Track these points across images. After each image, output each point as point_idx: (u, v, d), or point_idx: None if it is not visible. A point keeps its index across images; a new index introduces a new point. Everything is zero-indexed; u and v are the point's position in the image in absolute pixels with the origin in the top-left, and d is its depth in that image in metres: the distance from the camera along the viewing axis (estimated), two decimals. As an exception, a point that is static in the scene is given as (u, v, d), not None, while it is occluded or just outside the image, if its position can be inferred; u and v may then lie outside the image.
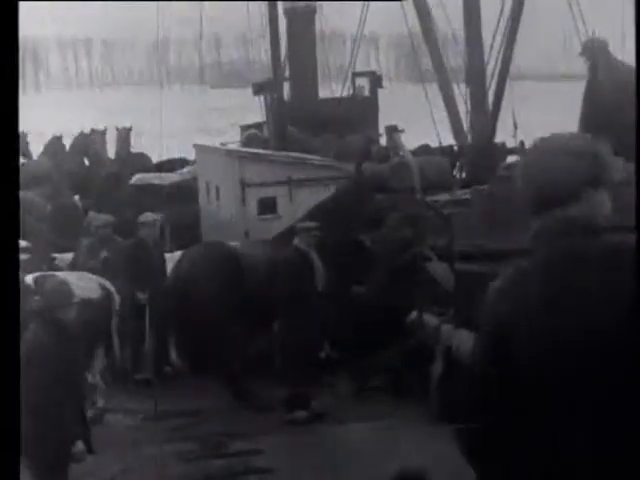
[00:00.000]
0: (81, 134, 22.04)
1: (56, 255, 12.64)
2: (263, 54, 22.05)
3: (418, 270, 10.83)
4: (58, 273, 10.29)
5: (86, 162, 21.47)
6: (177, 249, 12.68)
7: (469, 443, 2.88)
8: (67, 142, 22.00)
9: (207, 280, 10.81)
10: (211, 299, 10.66)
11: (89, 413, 7.82)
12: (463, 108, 15.86)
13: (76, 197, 17.64)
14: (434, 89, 16.95)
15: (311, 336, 10.06)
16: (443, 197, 13.04)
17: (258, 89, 19.23)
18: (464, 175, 16.25)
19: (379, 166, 14.76)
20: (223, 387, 10.61)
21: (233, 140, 19.65)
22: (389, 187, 13.60)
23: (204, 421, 9.98)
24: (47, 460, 6.29)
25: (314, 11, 19.04)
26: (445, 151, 17.47)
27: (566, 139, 2.90)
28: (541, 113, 22.41)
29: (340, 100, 19.51)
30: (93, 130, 22.02)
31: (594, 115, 11.02)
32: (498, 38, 15.37)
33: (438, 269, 10.83)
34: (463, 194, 12.70)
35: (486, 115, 15.69)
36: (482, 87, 15.99)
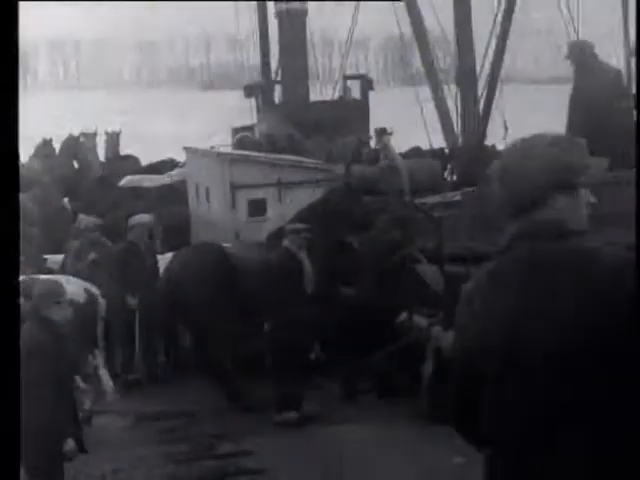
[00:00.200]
0: (70, 137, 21.86)
1: (47, 256, 12.62)
2: (253, 56, 22.06)
3: (407, 272, 10.86)
4: (44, 277, 10.21)
5: (75, 165, 21.35)
6: (167, 251, 12.67)
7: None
8: (56, 145, 21.84)
9: (198, 281, 10.80)
10: (202, 300, 10.65)
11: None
12: (454, 110, 15.90)
13: (65, 200, 17.56)
14: (425, 91, 16.99)
15: (301, 337, 10.07)
16: (434, 199, 13.08)
17: (249, 91, 19.24)
18: (455, 178, 16.27)
19: (368, 168, 14.79)
20: (216, 388, 10.62)
21: (224, 143, 19.64)
22: (378, 189, 13.64)
23: (195, 422, 9.99)
24: (40, 458, 6.28)
25: (305, 13, 19.05)
26: (436, 153, 17.50)
27: (545, 142, 2.93)
28: (532, 115, 22.44)
29: (331, 103, 19.55)
30: (83, 133, 21.89)
31: (580, 118, 11.06)
32: (490, 41, 15.44)
33: (428, 271, 10.87)
34: (454, 196, 12.75)
35: (477, 118, 15.74)
36: (473, 90, 16.05)
